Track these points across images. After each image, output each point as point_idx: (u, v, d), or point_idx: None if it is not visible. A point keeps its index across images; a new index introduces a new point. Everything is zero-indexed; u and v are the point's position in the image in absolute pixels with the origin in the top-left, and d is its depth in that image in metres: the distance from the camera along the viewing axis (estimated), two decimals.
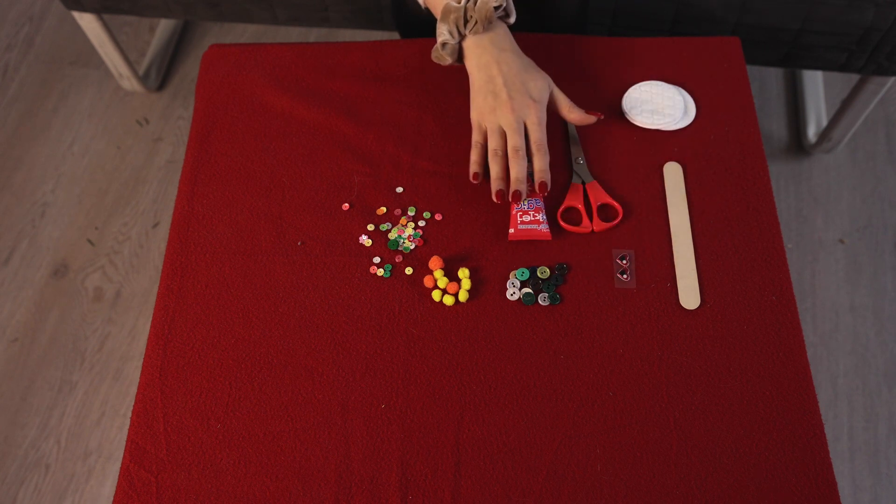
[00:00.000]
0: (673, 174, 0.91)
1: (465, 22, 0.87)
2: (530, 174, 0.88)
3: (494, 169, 0.86)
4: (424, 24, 1.10)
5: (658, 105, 0.94)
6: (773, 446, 0.76)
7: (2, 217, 1.59)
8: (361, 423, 0.78)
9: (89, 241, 1.55)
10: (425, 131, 0.96)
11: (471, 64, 0.89)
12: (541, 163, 0.86)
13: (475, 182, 0.88)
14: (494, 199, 0.86)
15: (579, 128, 0.95)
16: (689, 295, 0.84)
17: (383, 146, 0.95)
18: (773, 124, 1.62)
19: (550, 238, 0.87)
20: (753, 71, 1.64)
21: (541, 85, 0.88)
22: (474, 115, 0.89)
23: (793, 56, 1.26)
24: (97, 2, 1.41)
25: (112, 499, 0.81)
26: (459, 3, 0.87)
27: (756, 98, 1.62)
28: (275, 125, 0.97)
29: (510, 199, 0.86)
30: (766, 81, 1.67)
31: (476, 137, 0.89)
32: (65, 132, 1.69)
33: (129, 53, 1.74)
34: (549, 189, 0.86)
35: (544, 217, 0.87)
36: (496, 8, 0.88)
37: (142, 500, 0.75)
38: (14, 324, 1.46)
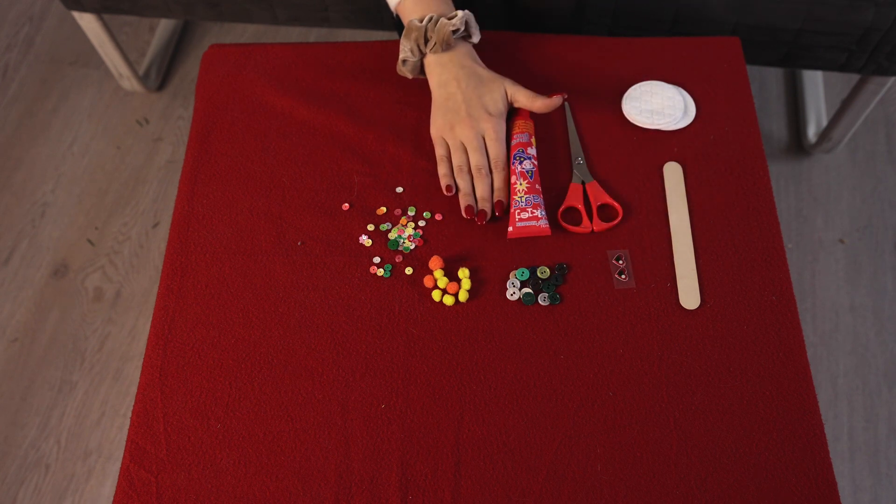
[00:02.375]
0: (673, 174, 0.91)
1: (426, 40, 0.89)
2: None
3: (462, 185, 0.89)
4: None
5: (658, 105, 0.94)
6: (773, 446, 0.76)
7: (2, 217, 1.58)
8: (361, 423, 0.78)
9: (89, 241, 1.55)
10: (425, 131, 0.96)
11: (432, 81, 0.92)
12: (499, 181, 0.88)
13: (449, 194, 0.89)
14: (464, 214, 0.88)
15: (579, 128, 0.95)
16: (689, 295, 0.84)
17: (383, 146, 0.95)
18: (773, 124, 1.62)
19: (550, 233, 0.87)
20: (753, 71, 1.64)
21: (497, 96, 0.90)
22: (434, 132, 0.91)
23: (793, 56, 1.26)
24: (97, 2, 1.41)
25: (112, 499, 0.81)
26: (422, 22, 0.89)
27: (756, 98, 1.62)
28: (275, 125, 0.97)
29: (476, 219, 0.88)
30: (766, 81, 1.67)
31: (440, 151, 0.91)
32: (65, 132, 1.69)
33: (129, 53, 1.74)
34: (505, 208, 0.87)
35: (543, 213, 0.87)
36: (454, 31, 0.90)
37: (142, 500, 0.75)
38: (14, 324, 1.46)
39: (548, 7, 1.08)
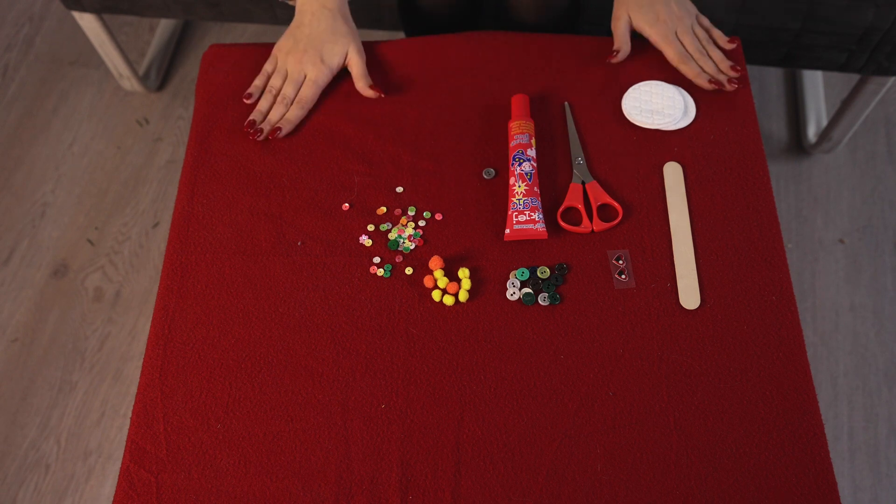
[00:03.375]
0: (673, 174, 0.91)
1: None
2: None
3: (262, 104, 0.97)
4: (429, 23, 1.10)
5: (658, 105, 0.94)
6: (773, 446, 0.76)
7: (2, 217, 1.58)
8: (361, 423, 0.78)
9: (89, 241, 1.55)
10: (425, 131, 0.96)
11: (297, 4, 0.99)
12: (293, 114, 0.96)
13: (246, 101, 0.98)
14: (245, 126, 0.95)
15: (579, 127, 0.95)
16: (689, 295, 0.84)
17: (383, 146, 0.95)
18: (773, 124, 1.62)
19: (547, 237, 0.87)
20: (753, 71, 1.64)
21: (337, 52, 0.97)
22: (275, 50, 1.00)
23: (793, 56, 1.26)
24: (97, 2, 1.41)
25: (112, 499, 0.81)
26: None
27: (756, 98, 1.62)
28: None
29: (252, 133, 0.95)
30: (766, 81, 1.67)
31: (268, 66, 0.99)
32: (65, 132, 1.69)
33: (129, 53, 1.74)
34: (281, 134, 0.95)
35: (540, 216, 0.87)
36: None
37: (142, 501, 0.75)
38: (14, 324, 1.46)
39: (545, 8, 1.08)
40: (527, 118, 0.94)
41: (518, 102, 0.95)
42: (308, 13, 0.97)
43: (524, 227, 0.87)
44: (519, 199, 0.88)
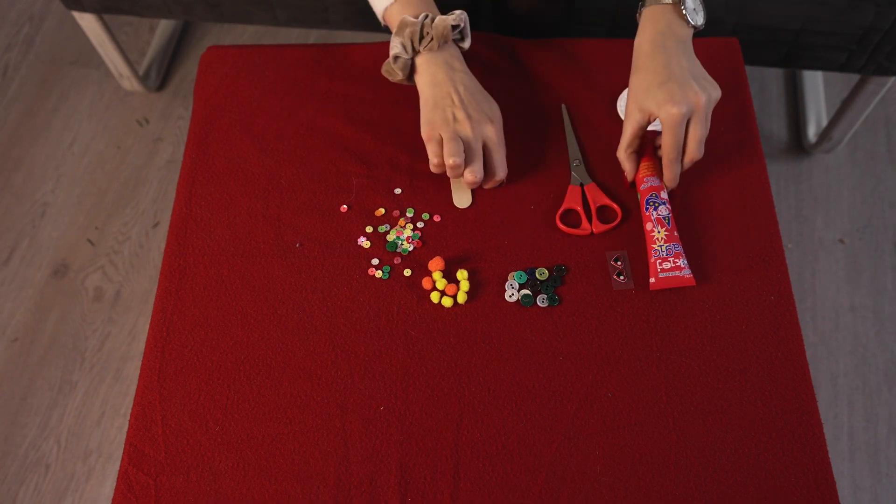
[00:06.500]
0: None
1: (421, 38, 0.87)
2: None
3: (454, 182, 0.91)
4: None
5: None
6: (772, 447, 0.76)
7: (2, 217, 1.58)
8: (360, 425, 0.78)
9: (89, 241, 1.55)
10: None
11: (423, 80, 0.88)
12: (491, 185, 0.90)
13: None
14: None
15: (577, 130, 0.95)
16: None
17: (382, 147, 0.95)
18: (773, 124, 1.61)
19: (694, 283, 0.84)
20: (753, 71, 1.64)
21: (495, 108, 0.89)
22: (428, 131, 0.86)
23: (793, 56, 1.26)
24: (97, 2, 1.41)
25: (111, 501, 0.81)
26: (416, 18, 0.87)
27: (756, 98, 1.61)
28: (273, 127, 0.97)
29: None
30: (766, 81, 1.66)
31: (434, 159, 0.86)
32: (65, 132, 1.69)
33: (129, 53, 1.74)
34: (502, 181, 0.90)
35: (685, 262, 0.83)
36: (454, 28, 0.88)
37: None
38: (14, 324, 1.46)
39: (540, 10, 1.08)
40: (653, 157, 0.89)
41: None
42: (446, 82, 0.87)
43: (670, 274, 0.83)
44: (661, 246, 0.84)
